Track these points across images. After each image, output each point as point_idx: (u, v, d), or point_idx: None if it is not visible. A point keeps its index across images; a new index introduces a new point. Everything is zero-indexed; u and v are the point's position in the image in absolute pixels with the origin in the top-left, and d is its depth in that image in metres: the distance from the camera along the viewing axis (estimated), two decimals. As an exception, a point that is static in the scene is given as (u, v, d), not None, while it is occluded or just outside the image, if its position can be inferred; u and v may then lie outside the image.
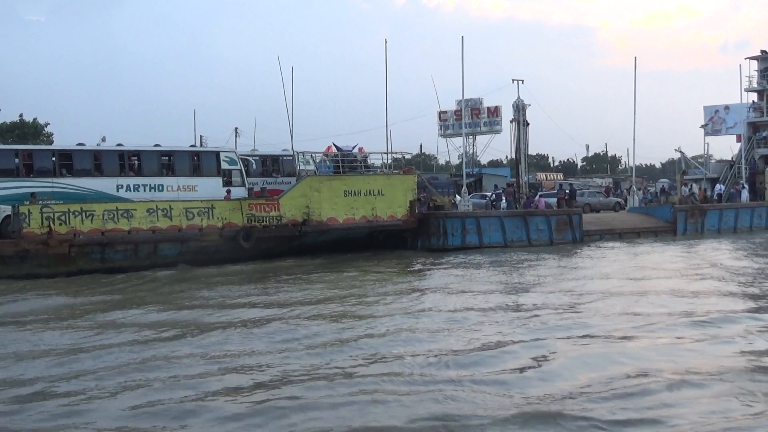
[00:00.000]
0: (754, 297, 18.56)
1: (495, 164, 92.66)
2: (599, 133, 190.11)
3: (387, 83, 37.16)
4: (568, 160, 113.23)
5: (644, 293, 19.30)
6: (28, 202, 25.81)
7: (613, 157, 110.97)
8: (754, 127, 54.27)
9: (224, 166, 30.17)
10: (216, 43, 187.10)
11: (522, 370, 11.64)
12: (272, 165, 33.70)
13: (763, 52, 55.93)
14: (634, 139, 44.80)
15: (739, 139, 58.16)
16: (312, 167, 33.92)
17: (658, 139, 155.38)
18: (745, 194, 46.34)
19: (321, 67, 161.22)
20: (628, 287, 20.58)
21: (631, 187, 49.20)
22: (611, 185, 68.96)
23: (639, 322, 15.22)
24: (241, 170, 30.55)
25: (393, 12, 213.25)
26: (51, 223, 25.60)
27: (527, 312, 16.69)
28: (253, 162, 33.23)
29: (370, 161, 34.72)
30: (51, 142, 54.88)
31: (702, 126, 58.99)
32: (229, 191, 29.55)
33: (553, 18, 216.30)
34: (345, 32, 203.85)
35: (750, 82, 54.90)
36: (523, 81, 39.70)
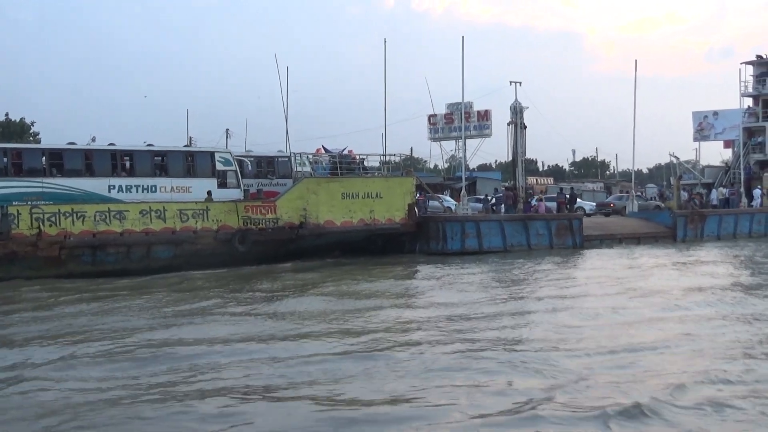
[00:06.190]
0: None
1: (484, 168, 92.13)
2: (586, 138, 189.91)
3: (386, 84, 36.70)
4: (555, 164, 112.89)
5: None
6: None
7: (602, 162, 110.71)
8: (749, 132, 54.02)
9: (219, 166, 29.40)
10: (205, 44, 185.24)
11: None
12: (267, 166, 32.83)
13: (758, 57, 55.76)
14: (633, 144, 44.46)
15: (726, 145, 58.13)
16: (308, 169, 33.17)
17: (644, 145, 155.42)
18: (758, 197, 46.17)
19: (311, 70, 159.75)
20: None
21: (629, 191, 48.70)
22: (603, 190, 68.77)
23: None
24: (236, 171, 29.73)
25: (383, 16, 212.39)
26: (41, 224, 24.61)
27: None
28: (248, 163, 32.33)
29: (367, 163, 33.97)
30: (38, 142, 53.65)
31: (695, 131, 58.73)
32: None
33: (541, 23, 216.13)
34: (335, 36, 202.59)
35: (746, 86, 54.66)
36: (520, 83, 39.02)
